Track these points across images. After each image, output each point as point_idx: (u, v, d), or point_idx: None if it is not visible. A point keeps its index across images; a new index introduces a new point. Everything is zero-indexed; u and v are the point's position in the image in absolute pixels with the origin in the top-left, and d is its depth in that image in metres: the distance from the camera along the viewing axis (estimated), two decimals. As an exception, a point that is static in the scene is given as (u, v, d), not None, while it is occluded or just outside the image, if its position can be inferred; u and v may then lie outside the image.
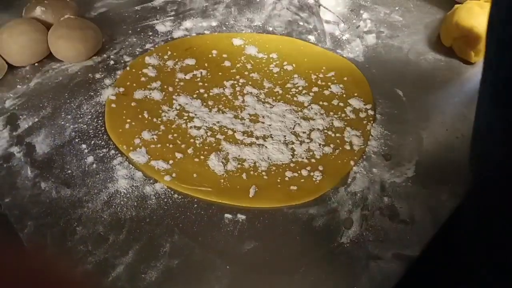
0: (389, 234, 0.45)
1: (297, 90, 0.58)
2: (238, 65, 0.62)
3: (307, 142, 0.52)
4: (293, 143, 0.52)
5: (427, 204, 0.47)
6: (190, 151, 0.51)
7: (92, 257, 0.43)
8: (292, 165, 0.50)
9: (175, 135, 0.53)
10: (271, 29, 0.68)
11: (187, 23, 0.68)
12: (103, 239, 0.44)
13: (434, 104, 0.58)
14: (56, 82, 0.60)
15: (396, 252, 0.43)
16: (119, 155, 0.51)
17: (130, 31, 0.67)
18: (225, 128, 0.54)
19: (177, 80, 0.60)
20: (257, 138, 0.52)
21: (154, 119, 0.54)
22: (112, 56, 0.63)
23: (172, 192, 0.48)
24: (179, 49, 0.64)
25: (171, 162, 0.50)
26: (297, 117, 0.55)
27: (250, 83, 0.59)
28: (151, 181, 0.49)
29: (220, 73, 0.60)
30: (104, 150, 0.52)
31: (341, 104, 0.57)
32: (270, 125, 0.54)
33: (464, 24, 0.60)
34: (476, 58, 0.63)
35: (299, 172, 0.49)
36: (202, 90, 0.58)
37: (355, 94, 0.58)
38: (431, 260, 0.45)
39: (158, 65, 0.62)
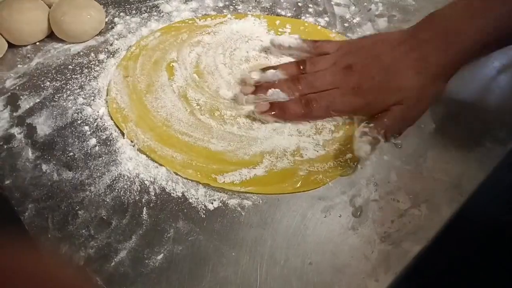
0: (400, 222, 0.43)
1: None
2: (247, 49, 0.60)
3: (317, 128, 0.50)
4: (301, 129, 0.50)
5: (439, 192, 0.46)
6: (196, 134, 0.50)
7: (94, 241, 0.42)
8: (301, 151, 0.48)
9: (180, 117, 0.51)
10: (279, 11, 0.66)
11: (193, 3, 0.66)
12: (105, 223, 0.43)
13: (446, 90, 0.56)
14: (58, 62, 0.58)
15: (407, 239, 0.42)
16: (122, 137, 0.50)
17: (134, 11, 0.65)
18: (231, 111, 0.52)
19: (183, 62, 0.58)
20: (263, 122, 0.51)
21: (160, 102, 0.53)
22: (115, 36, 0.61)
23: (176, 177, 0.46)
24: (185, 30, 0.62)
25: (176, 145, 0.49)
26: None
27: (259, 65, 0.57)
28: (155, 164, 0.47)
29: (226, 55, 0.59)
30: (107, 132, 0.50)
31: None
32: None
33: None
34: (491, 43, 0.61)
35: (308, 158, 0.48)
36: (209, 71, 0.56)
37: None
38: (443, 248, 0.44)
39: (163, 46, 0.60)
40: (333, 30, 0.63)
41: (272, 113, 0.49)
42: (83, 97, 0.54)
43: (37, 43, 0.60)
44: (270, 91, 0.49)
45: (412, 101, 0.47)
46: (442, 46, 0.46)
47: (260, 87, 0.50)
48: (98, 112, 0.52)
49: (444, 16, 0.47)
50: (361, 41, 0.53)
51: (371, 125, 0.46)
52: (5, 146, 0.49)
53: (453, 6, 0.47)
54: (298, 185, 0.45)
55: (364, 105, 0.48)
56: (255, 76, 0.52)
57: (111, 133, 0.50)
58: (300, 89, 0.50)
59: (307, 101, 0.49)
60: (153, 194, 0.45)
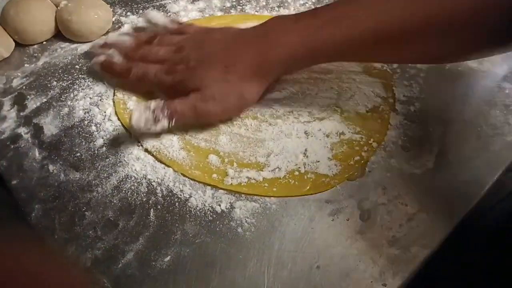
0: (408, 226, 0.43)
1: (308, 77, 0.56)
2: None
3: (325, 130, 0.50)
4: (309, 131, 0.50)
5: (447, 196, 0.46)
6: (203, 136, 0.49)
7: (101, 243, 0.42)
8: (308, 153, 0.48)
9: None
10: (287, 11, 0.65)
11: (200, 3, 0.66)
12: (112, 224, 0.43)
13: (455, 94, 0.56)
14: (65, 61, 0.58)
15: (415, 244, 0.42)
16: (129, 138, 0.50)
17: (141, 11, 0.65)
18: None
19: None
20: (270, 124, 0.51)
21: (166, 102, 0.53)
22: (122, 36, 0.61)
23: (184, 178, 0.46)
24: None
25: (184, 147, 0.48)
26: (313, 104, 0.53)
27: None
28: (163, 166, 0.47)
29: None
30: (115, 133, 0.50)
31: (360, 92, 0.55)
32: (280, 109, 0.52)
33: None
34: (499, 46, 0.60)
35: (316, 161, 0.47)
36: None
37: (374, 83, 0.56)
38: (451, 252, 0.44)
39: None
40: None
41: (102, 63, 0.54)
42: (90, 97, 0.54)
43: (44, 43, 0.60)
44: (111, 50, 0.54)
45: (209, 92, 0.46)
46: (261, 48, 0.46)
47: (106, 45, 0.55)
48: (105, 112, 0.52)
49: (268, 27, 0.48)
50: (214, 31, 0.52)
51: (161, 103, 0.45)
52: (12, 146, 0.49)
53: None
54: (306, 189, 0.45)
55: (170, 85, 0.48)
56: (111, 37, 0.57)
57: (118, 134, 0.50)
58: (133, 55, 0.52)
59: (129, 66, 0.51)
60: (160, 195, 0.45)
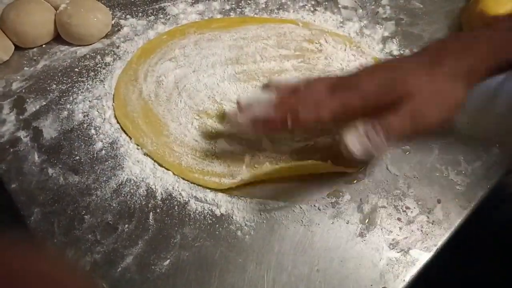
0: (408, 229, 0.43)
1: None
2: (254, 50, 0.59)
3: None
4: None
5: (448, 199, 0.45)
6: (203, 138, 0.49)
7: (100, 246, 0.42)
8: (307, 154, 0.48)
9: (187, 121, 0.51)
10: (286, 14, 0.65)
11: (200, 6, 0.66)
12: (112, 228, 0.43)
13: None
14: (64, 64, 0.58)
15: (415, 246, 0.42)
16: (129, 141, 0.50)
17: (140, 14, 0.65)
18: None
19: (190, 64, 0.57)
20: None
21: (166, 106, 0.53)
22: (122, 39, 0.61)
23: (183, 181, 0.46)
24: (191, 32, 0.62)
25: (181, 150, 0.48)
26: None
27: (266, 66, 0.57)
28: (162, 169, 0.47)
29: (232, 58, 0.58)
30: (114, 136, 0.50)
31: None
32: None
33: (489, 12, 0.58)
34: (500, 48, 0.60)
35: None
36: (215, 76, 0.56)
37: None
38: (451, 255, 0.43)
39: (169, 48, 0.59)
40: (340, 33, 0.63)
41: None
42: (89, 101, 0.54)
43: (44, 46, 0.60)
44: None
45: (424, 95, 0.38)
46: (457, 51, 0.40)
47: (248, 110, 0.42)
48: (104, 115, 0.52)
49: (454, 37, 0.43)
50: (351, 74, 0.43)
51: (369, 125, 0.37)
52: (11, 150, 0.49)
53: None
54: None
55: (359, 98, 0.39)
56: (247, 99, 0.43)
57: (117, 137, 0.50)
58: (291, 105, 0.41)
59: (291, 108, 0.40)
60: (159, 199, 0.45)
